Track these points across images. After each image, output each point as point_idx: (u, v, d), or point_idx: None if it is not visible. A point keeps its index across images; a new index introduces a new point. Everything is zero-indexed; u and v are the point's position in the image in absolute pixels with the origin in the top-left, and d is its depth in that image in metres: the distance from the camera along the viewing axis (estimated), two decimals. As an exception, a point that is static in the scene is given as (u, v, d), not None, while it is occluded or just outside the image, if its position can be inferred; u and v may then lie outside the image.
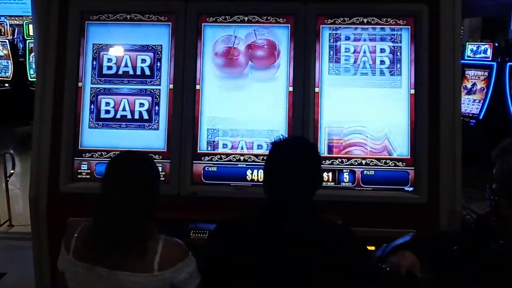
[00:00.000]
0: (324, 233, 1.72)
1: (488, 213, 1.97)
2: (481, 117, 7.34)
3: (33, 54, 10.19)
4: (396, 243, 1.89)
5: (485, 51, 7.47)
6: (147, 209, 1.70)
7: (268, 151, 1.81)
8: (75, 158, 2.82)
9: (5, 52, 10.70)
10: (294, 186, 1.69)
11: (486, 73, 7.45)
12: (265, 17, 2.82)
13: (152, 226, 1.71)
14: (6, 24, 10.68)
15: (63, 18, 2.84)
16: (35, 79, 10.22)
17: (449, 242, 2.11)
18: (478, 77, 7.52)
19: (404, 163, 2.73)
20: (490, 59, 7.42)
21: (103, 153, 2.82)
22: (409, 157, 2.73)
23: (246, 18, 2.82)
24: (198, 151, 2.78)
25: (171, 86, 2.81)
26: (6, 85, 10.69)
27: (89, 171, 2.82)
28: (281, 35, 2.81)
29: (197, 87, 2.80)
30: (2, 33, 10.63)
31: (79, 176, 2.82)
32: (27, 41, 10.53)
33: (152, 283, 1.65)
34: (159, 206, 1.78)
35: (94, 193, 2.63)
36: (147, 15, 2.85)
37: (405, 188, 2.73)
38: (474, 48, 7.55)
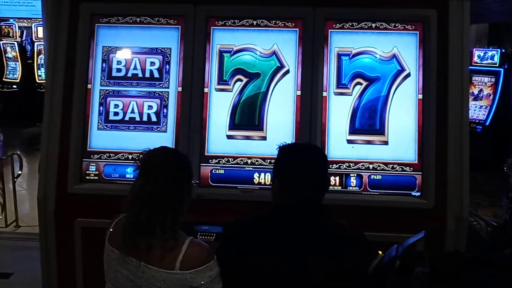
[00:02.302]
0: (336, 234, 1.76)
1: (505, 221, 1.97)
2: (487, 123, 7.32)
3: (41, 56, 10.29)
4: (409, 241, 1.88)
5: (492, 57, 7.45)
6: (162, 200, 1.70)
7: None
8: (84, 160, 2.84)
9: (14, 54, 10.78)
10: (306, 188, 1.73)
11: (493, 79, 7.43)
12: (273, 21, 2.83)
13: (179, 224, 1.72)
14: (15, 26, 10.76)
15: (73, 20, 2.87)
16: (43, 81, 10.34)
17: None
18: (485, 83, 7.50)
19: (411, 168, 2.74)
20: (497, 65, 7.40)
21: (111, 154, 2.84)
22: (416, 162, 2.73)
23: (255, 22, 2.84)
24: (206, 153, 2.80)
25: (180, 89, 2.83)
26: (14, 86, 10.78)
27: (97, 172, 2.84)
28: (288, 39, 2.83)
29: (205, 90, 2.82)
30: (11, 35, 10.71)
31: (87, 177, 2.84)
32: (35, 43, 10.61)
33: (172, 280, 1.66)
34: (188, 206, 1.79)
35: (102, 194, 2.73)
36: (156, 18, 2.88)
37: (412, 193, 2.73)
38: (481, 54, 7.53)
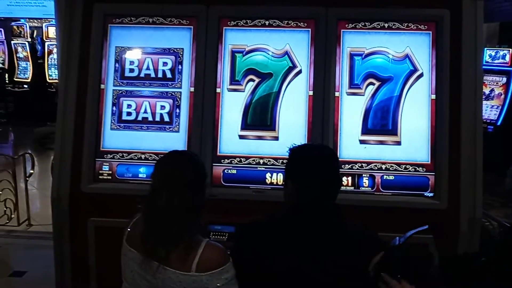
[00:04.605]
0: (351, 233, 1.78)
1: None
2: (499, 123, 7.27)
3: (51, 56, 10.37)
4: (410, 232, 1.88)
5: (503, 57, 7.40)
6: (191, 208, 1.71)
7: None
8: (97, 159, 2.86)
9: (25, 54, 10.89)
10: (320, 188, 1.75)
11: (504, 79, 7.39)
12: (286, 21, 2.83)
13: (196, 227, 1.72)
14: (26, 26, 10.86)
15: (86, 21, 2.88)
16: (53, 81, 10.40)
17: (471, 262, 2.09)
18: (496, 83, 7.46)
19: (424, 169, 2.73)
20: (508, 64, 7.35)
21: (124, 154, 2.85)
22: (429, 162, 2.72)
23: (267, 22, 2.84)
24: (218, 153, 2.80)
25: (192, 89, 2.84)
26: (25, 86, 10.87)
27: (110, 172, 2.85)
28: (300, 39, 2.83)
29: (218, 90, 2.82)
30: (22, 35, 10.81)
31: (100, 177, 2.86)
32: (46, 43, 10.70)
33: (188, 282, 1.66)
34: (204, 208, 1.78)
35: (115, 194, 2.75)
36: (169, 19, 2.89)
37: (425, 194, 2.72)
38: (493, 54, 7.49)
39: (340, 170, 2.51)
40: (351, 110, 2.78)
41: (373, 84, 2.77)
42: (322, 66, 2.77)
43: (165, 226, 1.67)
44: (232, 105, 2.83)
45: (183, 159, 1.82)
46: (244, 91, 2.82)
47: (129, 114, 2.88)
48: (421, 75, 2.76)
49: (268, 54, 2.83)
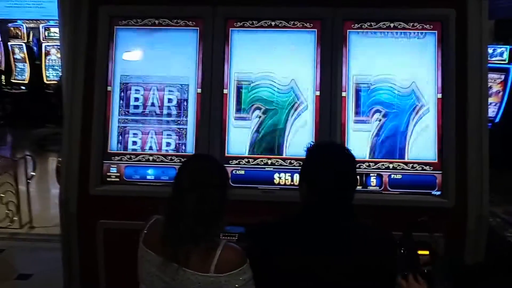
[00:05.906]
0: (367, 235, 1.79)
1: None
2: (497, 120, 7.30)
3: (49, 57, 10.33)
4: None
5: (501, 54, 7.43)
6: (218, 210, 1.73)
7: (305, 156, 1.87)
8: (104, 161, 2.85)
9: (22, 55, 10.82)
10: (336, 190, 1.74)
11: (502, 76, 7.41)
12: (292, 22, 2.84)
13: (220, 228, 1.76)
14: (23, 28, 10.80)
15: (92, 23, 2.87)
16: (51, 82, 10.32)
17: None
18: (494, 80, 7.47)
19: (431, 167, 2.74)
20: (506, 62, 7.38)
21: (132, 156, 2.85)
22: (436, 161, 2.74)
23: (273, 23, 2.84)
24: (226, 154, 2.81)
25: (199, 90, 2.83)
26: (23, 87, 10.82)
27: (118, 174, 2.85)
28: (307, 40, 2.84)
29: (225, 91, 2.83)
30: (19, 37, 10.76)
31: (108, 179, 2.85)
32: (43, 44, 10.66)
33: (206, 283, 1.67)
34: (226, 210, 1.80)
35: (124, 196, 2.75)
36: (175, 20, 2.88)
37: (433, 192, 2.74)
38: (490, 51, 7.50)
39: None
40: (358, 110, 2.79)
41: (379, 84, 2.79)
42: (329, 66, 2.78)
43: (192, 226, 1.68)
44: (239, 106, 2.83)
45: (210, 164, 1.86)
46: (250, 92, 2.83)
47: (136, 116, 2.88)
48: (426, 75, 2.77)
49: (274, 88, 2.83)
